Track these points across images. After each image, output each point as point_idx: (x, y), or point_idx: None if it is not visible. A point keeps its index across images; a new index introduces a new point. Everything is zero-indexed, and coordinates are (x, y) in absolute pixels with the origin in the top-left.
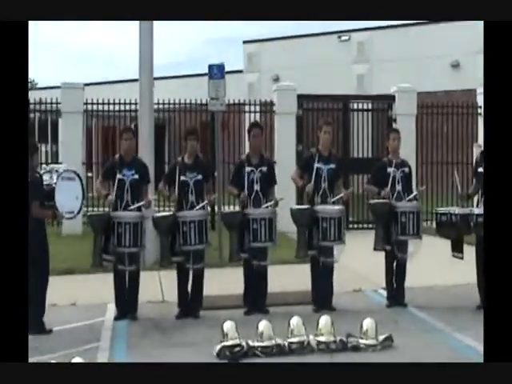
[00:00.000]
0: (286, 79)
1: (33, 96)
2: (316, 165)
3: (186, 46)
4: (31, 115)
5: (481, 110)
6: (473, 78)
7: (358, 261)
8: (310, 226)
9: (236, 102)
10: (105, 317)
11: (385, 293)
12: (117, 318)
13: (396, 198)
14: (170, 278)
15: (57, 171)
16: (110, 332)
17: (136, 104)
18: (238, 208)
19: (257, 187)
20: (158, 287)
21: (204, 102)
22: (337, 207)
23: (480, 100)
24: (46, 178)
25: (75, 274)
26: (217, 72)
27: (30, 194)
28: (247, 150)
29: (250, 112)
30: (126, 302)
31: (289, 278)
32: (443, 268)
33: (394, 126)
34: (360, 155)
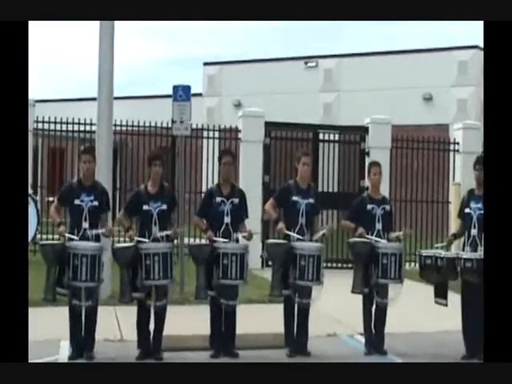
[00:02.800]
0: (248, 105)
1: None
2: (293, 198)
3: (137, 64)
4: None
5: (458, 147)
6: (445, 112)
7: (331, 302)
8: (286, 262)
9: (194, 126)
10: (58, 355)
11: (362, 338)
12: (71, 357)
13: (376, 236)
14: (127, 313)
15: None
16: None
17: (90, 124)
18: (203, 240)
19: (227, 220)
20: (115, 324)
21: (164, 125)
22: (316, 244)
23: (457, 135)
24: None
25: None
26: (182, 94)
27: None
28: (204, 178)
29: (208, 138)
30: (82, 339)
31: (258, 318)
32: (424, 314)
33: (366, 159)
34: (328, 189)
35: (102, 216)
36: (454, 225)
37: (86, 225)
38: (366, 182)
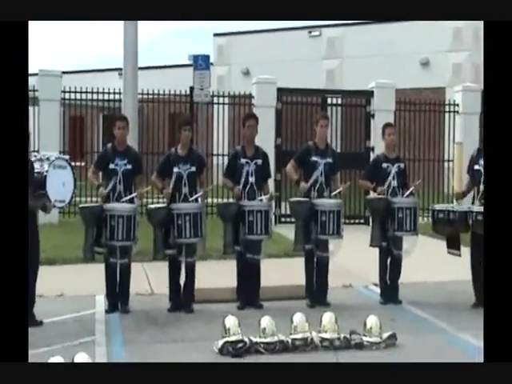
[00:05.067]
0: (256, 73)
1: None
2: (313, 158)
3: (147, 36)
4: None
5: (457, 108)
6: (442, 76)
7: (345, 256)
8: (308, 219)
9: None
10: (95, 309)
11: (375, 289)
12: (108, 311)
13: (391, 193)
14: (154, 269)
15: (48, 159)
16: (103, 325)
17: (110, 93)
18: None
19: (252, 180)
20: (145, 279)
21: (178, 92)
22: (336, 201)
23: (456, 97)
24: (36, 166)
25: (57, 264)
26: (202, 63)
27: None
28: (216, 141)
29: (220, 104)
30: (117, 294)
31: (277, 272)
32: (434, 265)
33: (372, 121)
34: (338, 150)
35: (135, 179)
36: (456, 181)
37: (120, 187)
38: (372, 143)
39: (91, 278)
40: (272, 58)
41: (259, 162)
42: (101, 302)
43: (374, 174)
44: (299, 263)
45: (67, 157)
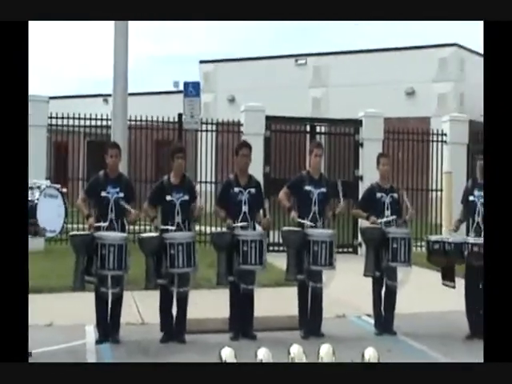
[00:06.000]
0: (241, 100)
1: None
2: (306, 187)
3: (130, 62)
4: None
5: (445, 138)
6: (427, 105)
7: (336, 285)
8: (300, 248)
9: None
10: (85, 339)
11: (369, 319)
12: (99, 342)
13: (385, 223)
14: (144, 298)
15: (39, 188)
16: (94, 355)
17: (97, 119)
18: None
19: (245, 209)
20: (135, 308)
21: (166, 119)
22: (328, 231)
23: (444, 127)
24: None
25: (44, 292)
26: (192, 90)
27: None
28: (203, 169)
29: (207, 131)
30: (108, 324)
31: (269, 301)
32: (427, 296)
33: (360, 150)
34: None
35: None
36: (445, 210)
37: (112, 215)
38: (360, 171)
39: (80, 306)
40: (258, 86)
41: (253, 190)
42: (91, 332)
43: (367, 203)
44: (290, 292)
45: (58, 186)
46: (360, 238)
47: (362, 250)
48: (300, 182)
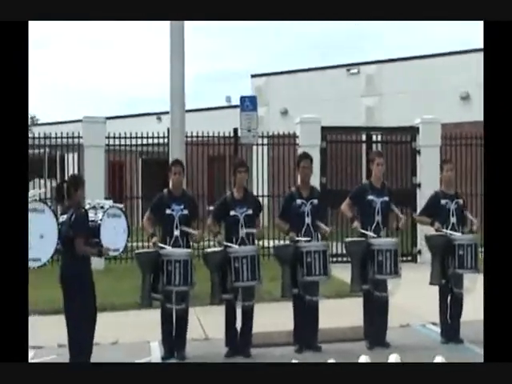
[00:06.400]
0: (294, 112)
1: (37, 131)
2: (369, 197)
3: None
4: (37, 151)
5: None
6: (480, 109)
7: (399, 294)
8: (364, 258)
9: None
10: (151, 356)
11: (433, 327)
12: (165, 358)
13: (450, 229)
14: (206, 313)
15: (102, 207)
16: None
17: (154, 138)
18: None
19: (308, 220)
20: (197, 323)
21: (221, 134)
22: (392, 239)
23: None
24: (90, 214)
25: (107, 310)
26: (249, 104)
27: (75, 231)
28: (255, 182)
29: (263, 145)
30: (174, 340)
31: (332, 313)
32: None
33: (418, 157)
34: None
35: (191, 223)
36: None
37: (177, 232)
38: (418, 179)
39: (144, 324)
40: (310, 97)
41: (315, 201)
42: (155, 348)
43: (432, 210)
44: (350, 303)
45: (121, 205)
46: (419, 246)
47: (422, 258)
48: (362, 191)
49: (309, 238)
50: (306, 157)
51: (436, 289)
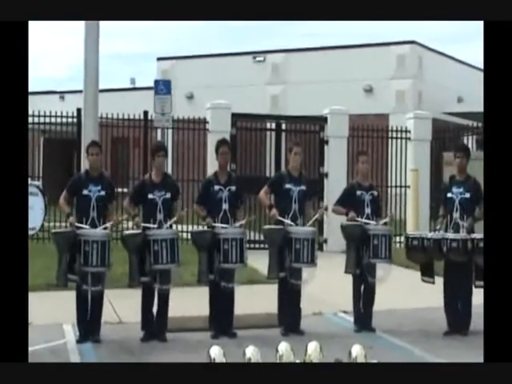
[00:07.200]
0: (200, 97)
1: None
2: (286, 185)
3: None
4: None
5: (409, 135)
6: (385, 102)
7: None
8: (281, 246)
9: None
10: (65, 338)
11: (345, 316)
12: (80, 341)
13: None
14: (118, 296)
15: None
16: (77, 356)
17: (68, 117)
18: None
19: (225, 206)
20: (110, 307)
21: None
22: (310, 228)
23: (408, 124)
24: None
25: None
26: (163, 87)
27: None
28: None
29: (173, 128)
30: (88, 323)
31: (246, 299)
32: (402, 293)
33: (325, 147)
34: None
35: (108, 205)
36: (411, 207)
37: (94, 214)
38: (325, 169)
39: (57, 306)
40: (216, 83)
41: (233, 188)
42: (69, 331)
43: (347, 200)
44: (264, 290)
45: (38, 183)
46: (325, 235)
47: (328, 247)
48: (280, 180)
49: (226, 225)
50: (224, 143)
51: (344, 277)
